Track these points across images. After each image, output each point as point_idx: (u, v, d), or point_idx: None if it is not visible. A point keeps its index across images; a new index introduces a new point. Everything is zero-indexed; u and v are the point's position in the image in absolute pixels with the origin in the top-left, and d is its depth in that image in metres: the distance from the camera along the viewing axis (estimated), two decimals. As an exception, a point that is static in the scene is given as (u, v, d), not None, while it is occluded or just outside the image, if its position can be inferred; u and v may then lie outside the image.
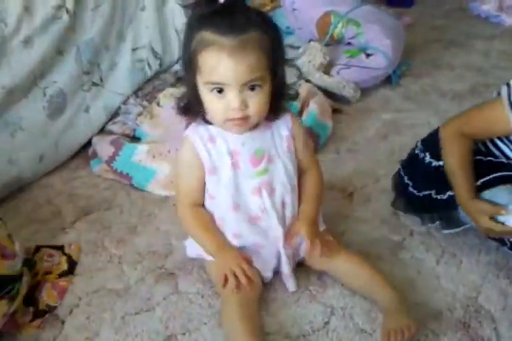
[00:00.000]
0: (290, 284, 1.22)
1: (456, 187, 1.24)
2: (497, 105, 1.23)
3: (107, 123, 1.84)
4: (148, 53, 1.95)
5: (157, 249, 1.37)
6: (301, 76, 2.01)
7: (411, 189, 1.39)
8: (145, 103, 1.86)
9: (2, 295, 1.07)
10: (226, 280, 1.11)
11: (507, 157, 1.29)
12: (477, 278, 1.25)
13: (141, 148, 1.64)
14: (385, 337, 1.08)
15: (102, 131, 1.83)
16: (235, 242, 1.20)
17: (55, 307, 1.21)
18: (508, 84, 1.22)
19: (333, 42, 2.25)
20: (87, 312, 1.19)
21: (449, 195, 1.27)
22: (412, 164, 1.42)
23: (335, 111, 1.97)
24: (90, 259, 1.35)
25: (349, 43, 2.24)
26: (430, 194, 1.33)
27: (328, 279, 1.25)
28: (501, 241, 1.26)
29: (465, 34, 2.79)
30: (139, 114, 1.82)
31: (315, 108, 1.78)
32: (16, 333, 1.15)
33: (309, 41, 2.21)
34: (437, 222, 1.35)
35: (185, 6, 1.99)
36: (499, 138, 1.29)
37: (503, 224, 1.17)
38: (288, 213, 1.21)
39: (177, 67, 2.07)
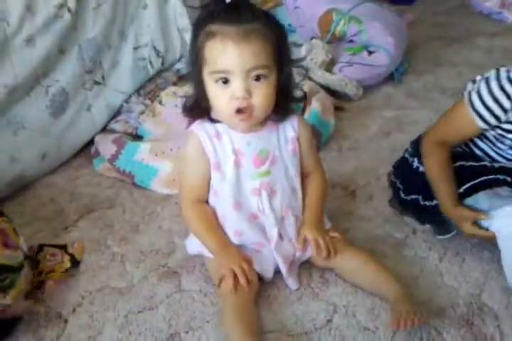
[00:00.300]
0: (290, 283, 1.22)
1: (439, 195, 1.26)
2: (460, 107, 1.26)
3: (109, 121, 1.84)
4: (150, 52, 1.95)
5: (160, 248, 1.37)
6: (306, 77, 2.01)
7: (401, 192, 1.41)
8: (147, 101, 1.86)
9: None
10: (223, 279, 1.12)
11: (489, 156, 1.30)
12: (480, 276, 1.25)
13: (144, 147, 1.64)
14: (396, 322, 1.07)
15: (105, 129, 1.83)
16: (236, 240, 1.20)
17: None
18: (473, 81, 1.23)
19: (335, 40, 2.25)
20: (90, 311, 1.19)
21: (437, 203, 1.28)
22: (401, 167, 1.43)
23: (337, 108, 1.97)
24: (93, 258, 1.35)
25: (351, 41, 2.24)
26: (418, 199, 1.35)
27: (331, 277, 1.25)
28: None
29: (467, 31, 2.78)
30: (141, 113, 1.82)
31: (317, 106, 1.78)
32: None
33: (311, 39, 2.21)
34: (427, 225, 1.36)
35: (190, 6, 2.00)
36: (479, 138, 1.29)
37: (486, 229, 1.20)
38: (288, 215, 1.21)
39: (179, 65, 2.07)
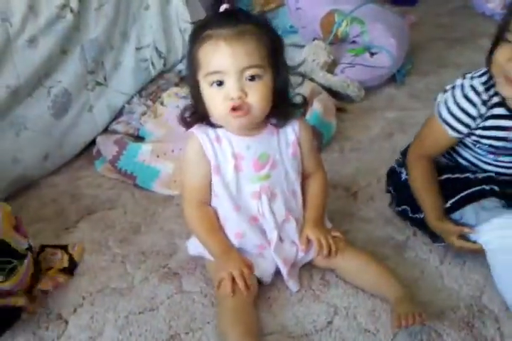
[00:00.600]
0: (291, 285, 1.22)
1: (424, 208, 1.28)
2: (432, 119, 1.28)
3: (110, 122, 1.84)
4: (152, 52, 1.96)
5: (161, 249, 1.37)
6: (303, 82, 2.00)
7: (394, 201, 1.43)
8: (149, 102, 1.86)
9: None
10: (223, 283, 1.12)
11: (472, 164, 1.30)
12: (481, 278, 1.25)
13: (145, 148, 1.65)
14: (397, 321, 1.07)
15: (106, 130, 1.83)
16: (238, 242, 1.20)
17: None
18: (444, 90, 1.24)
19: (337, 41, 2.25)
20: (91, 312, 1.19)
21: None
22: (392, 177, 1.44)
23: (339, 110, 1.97)
24: (94, 259, 1.35)
25: (353, 42, 2.24)
26: (407, 210, 1.36)
27: (332, 278, 1.25)
28: None
29: (470, 32, 2.78)
30: (143, 114, 1.82)
31: (319, 107, 1.78)
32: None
33: (313, 40, 2.21)
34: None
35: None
36: (459, 147, 1.31)
37: (474, 242, 1.20)
38: (289, 218, 1.21)
39: (181, 66, 2.07)
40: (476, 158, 1.30)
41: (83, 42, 1.72)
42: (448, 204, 1.25)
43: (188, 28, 2.03)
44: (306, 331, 1.13)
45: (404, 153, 1.39)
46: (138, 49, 1.92)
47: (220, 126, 1.15)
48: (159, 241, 1.40)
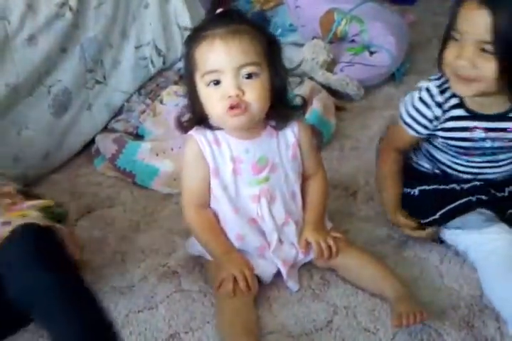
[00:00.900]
0: (291, 285, 1.22)
1: (383, 198, 1.35)
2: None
3: (110, 121, 1.84)
4: (152, 51, 1.95)
5: (160, 247, 1.37)
6: (302, 82, 2.00)
7: None
8: (148, 101, 1.86)
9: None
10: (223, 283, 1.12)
11: (451, 168, 1.31)
12: (481, 277, 1.25)
13: (145, 146, 1.64)
14: (397, 320, 1.07)
15: (105, 128, 1.83)
16: (238, 244, 1.20)
17: None
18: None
19: (337, 40, 2.24)
20: (91, 311, 1.19)
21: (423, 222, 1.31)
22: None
23: (338, 108, 1.96)
24: (93, 257, 1.35)
25: (352, 41, 2.23)
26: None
27: (332, 278, 1.25)
28: None
29: (469, 31, 2.77)
30: (142, 112, 1.81)
31: (318, 105, 1.78)
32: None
33: (312, 38, 2.20)
34: None
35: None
36: (436, 152, 1.32)
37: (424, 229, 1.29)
38: (288, 220, 1.21)
39: (180, 64, 2.06)
40: (450, 161, 1.30)
41: (82, 40, 1.71)
42: (437, 216, 1.27)
43: (188, 26, 2.03)
44: (306, 330, 1.13)
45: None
46: (137, 47, 1.91)
47: (219, 128, 1.15)
48: (158, 240, 1.40)
